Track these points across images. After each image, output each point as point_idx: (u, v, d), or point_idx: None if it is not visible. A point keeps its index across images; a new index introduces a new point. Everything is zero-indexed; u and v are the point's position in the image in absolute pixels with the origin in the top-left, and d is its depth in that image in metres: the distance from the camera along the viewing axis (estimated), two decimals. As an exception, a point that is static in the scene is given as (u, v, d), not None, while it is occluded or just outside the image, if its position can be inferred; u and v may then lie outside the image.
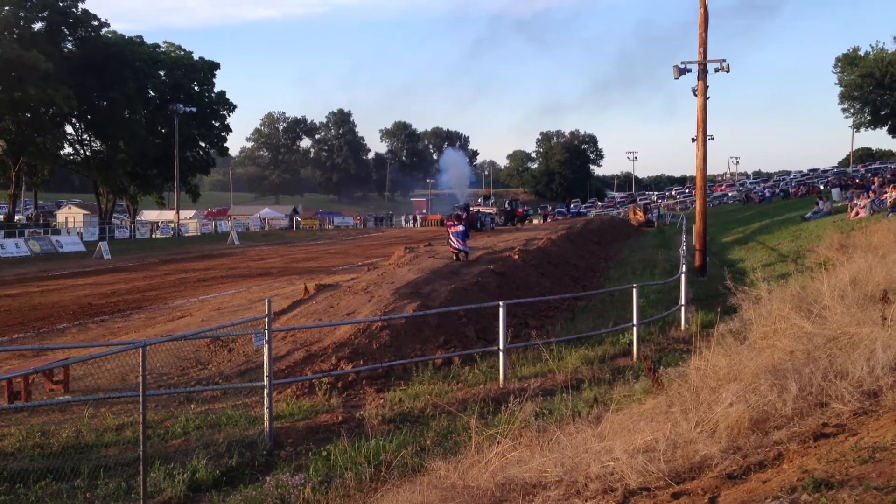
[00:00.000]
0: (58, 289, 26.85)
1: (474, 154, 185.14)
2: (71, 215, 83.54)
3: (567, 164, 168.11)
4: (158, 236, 66.64)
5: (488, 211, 58.51)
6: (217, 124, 79.90)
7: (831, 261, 15.42)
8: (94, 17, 62.65)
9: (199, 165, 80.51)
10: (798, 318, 8.30)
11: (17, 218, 62.84)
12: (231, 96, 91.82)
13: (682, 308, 16.37)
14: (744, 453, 5.15)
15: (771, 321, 8.77)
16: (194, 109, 72.10)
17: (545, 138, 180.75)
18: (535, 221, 72.62)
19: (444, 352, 13.71)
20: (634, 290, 14.09)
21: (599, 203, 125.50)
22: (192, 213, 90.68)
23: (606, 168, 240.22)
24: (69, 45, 62.80)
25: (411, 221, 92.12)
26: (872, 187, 39.12)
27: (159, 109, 72.03)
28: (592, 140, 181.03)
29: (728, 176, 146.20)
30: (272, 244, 57.14)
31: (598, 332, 14.93)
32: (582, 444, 5.81)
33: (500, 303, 12.28)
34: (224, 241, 60.86)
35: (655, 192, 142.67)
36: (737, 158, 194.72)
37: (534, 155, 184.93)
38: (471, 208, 50.83)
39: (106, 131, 63.97)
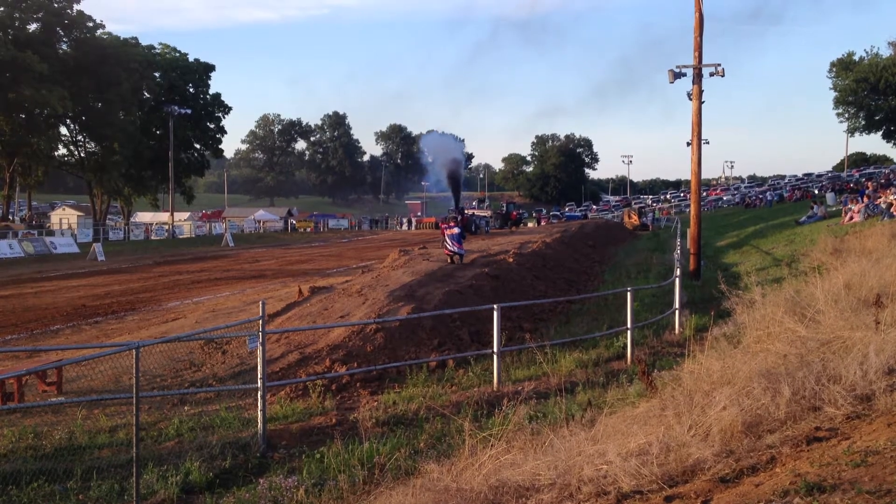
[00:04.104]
0: (52, 290, 26.79)
1: (469, 157, 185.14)
2: (65, 217, 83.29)
3: (562, 168, 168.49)
4: (153, 238, 66.51)
5: (483, 214, 58.60)
6: (212, 126, 79.92)
7: (825, 265, 15.45)
8: (90, 18, 62.68)
9: (194, 167, 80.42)
10: (792, 322, 8.31)
11: (11, 219, 62.70)
12: (226, 98, 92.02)
13: (677, 312, 16.38)
14: (737, 457, 5.16)
15: (765, 325, 8.79)
16: (189, 111, 72.05)
17: (540, 141, 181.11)
18: (530, 225, 72.69)
19: (438, 354, 13.70)
20: (629, 293, 14.09)
21: (594, 206, 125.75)
22: (186, 214, 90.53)
23: (601, 171, 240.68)
24: (64, 47, 62.71)
25: (406, 224, 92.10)
26: (867, 192, 39.24)
27: (154, 111, 71.94)
28: (587, 143, 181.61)
29: (723, 180, 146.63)
30: (267, 246, 57.08)
31: (592, 336, 14.94)
32: (575, 447, 5.80)
33: (495, 306, 12.28)
34: (218, 243, 60.79)
35: (650, 196, 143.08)
36: (731, 162, 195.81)
37: (529, 158, 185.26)
38: (465, 211, 50.98)
39: (100, 133, 63.86)
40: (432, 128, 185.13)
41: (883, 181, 56.34)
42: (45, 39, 58.44)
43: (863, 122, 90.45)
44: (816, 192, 69.97)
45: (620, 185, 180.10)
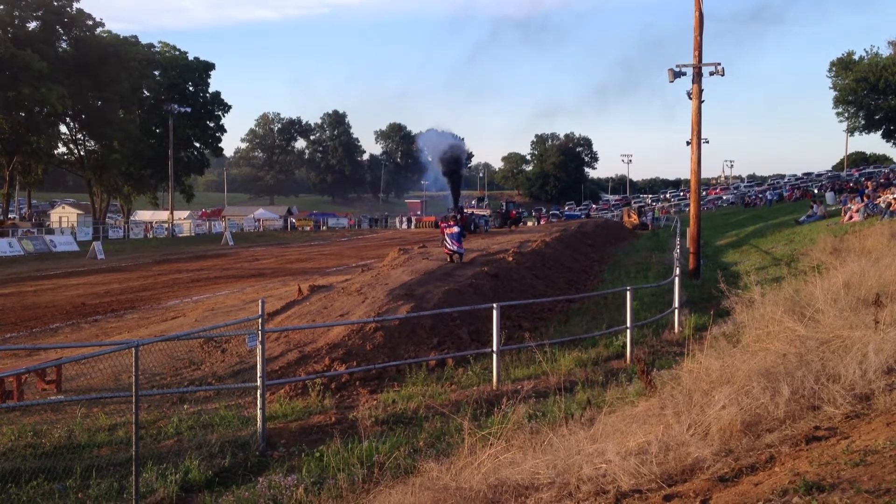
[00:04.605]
0: (51, 288, 26.77)
1: (469, 156, 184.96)
2: (65, 215, 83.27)
3: (562, 167, 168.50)
4: (152, 236, 66.47)
5: (482, 213, 58.60)
6: (212, 125, 79.91)
7: (825, 264, 15.46)
8: (89, 16, 62.65)
9: (194, 166, 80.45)
10: (791, 322, 8.31)
11: (13, 217, 62.69)
12: (226, 97, 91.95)
13: (676, 311, 16.38)
14: (736, 456, 5.16)
15: (764, 324, 8.79)
16: (189, 110, 72.01)
17: (540, 141, 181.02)
18: (529, 224, 72.65)
19: (437, 353, 13.71)
20: (628, 292, 14.09)
21: (594, 206, 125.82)
22: (186, 213, 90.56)
23: (601, 171, 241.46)
24: (64, 45, 62.67)
25: (405, 223, 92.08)
26: (866, 191, 39.25)
27: (154, 109, 71.93)
28: (587, 143, 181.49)
29: (722, 179, 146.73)
30: (266, 245, 57.05)
31: (591, 335, 14.94)
32: (574, 446, 5.80)
33: (494, 304, 12.27)
34: (218, 241, 60.76)
35: (650, 195, 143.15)
36: (731, 162, 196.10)
37: (528, 157, 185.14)
38: (465, 210, 50.96)
39: (100, 131, 63.84)
40: (432, 127, 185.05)
41: (882, 181, 56.39)
42: (44, 38, 58.39)
43: (862, 122, 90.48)
44: (816, 191, 70.03)
45: (620, 185, 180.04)
